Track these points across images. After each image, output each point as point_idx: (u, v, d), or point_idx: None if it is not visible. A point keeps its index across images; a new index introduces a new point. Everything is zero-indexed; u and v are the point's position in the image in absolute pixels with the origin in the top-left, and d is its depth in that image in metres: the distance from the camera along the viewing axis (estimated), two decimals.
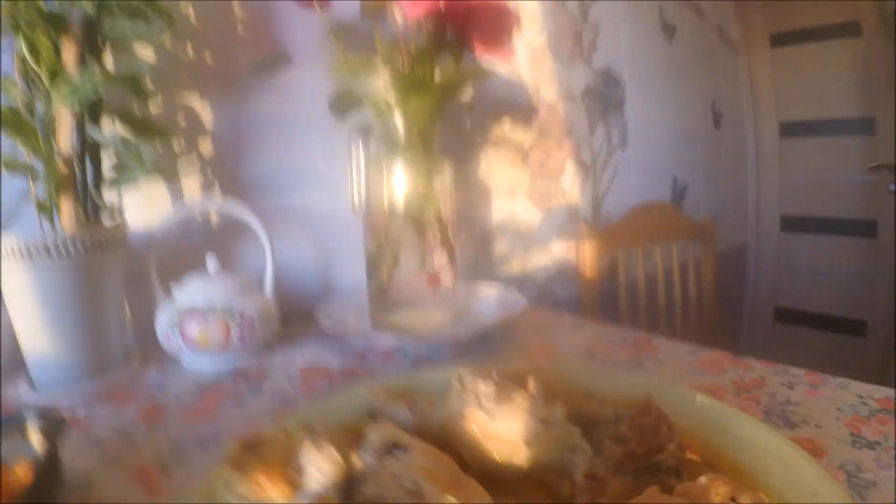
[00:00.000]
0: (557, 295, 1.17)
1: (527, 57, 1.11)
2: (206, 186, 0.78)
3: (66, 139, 0.58)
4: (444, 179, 0.72)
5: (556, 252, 1.16)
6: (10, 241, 0.53)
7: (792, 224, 1.86)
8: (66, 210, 0.58)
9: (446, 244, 0.72)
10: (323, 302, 0.76)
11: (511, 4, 0.69)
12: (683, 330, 1.25)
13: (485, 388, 0.34)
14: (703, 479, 0.27)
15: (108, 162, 0.63)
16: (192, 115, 0.77)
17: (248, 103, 0.80)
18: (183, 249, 0.74)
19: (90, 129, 0.61)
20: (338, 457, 0.31)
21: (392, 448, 0.30)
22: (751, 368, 0.55)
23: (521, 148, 1.08)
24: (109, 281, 0.61)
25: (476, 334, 0.68)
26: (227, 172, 0.79)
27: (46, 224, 0.58)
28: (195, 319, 0.62)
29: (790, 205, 1.86)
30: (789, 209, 1.86)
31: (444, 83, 0.70)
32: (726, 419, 0.37)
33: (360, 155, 0.68)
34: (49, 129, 0.57)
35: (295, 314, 0.78)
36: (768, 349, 1.84)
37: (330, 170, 0.85)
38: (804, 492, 0.29)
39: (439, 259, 0.72)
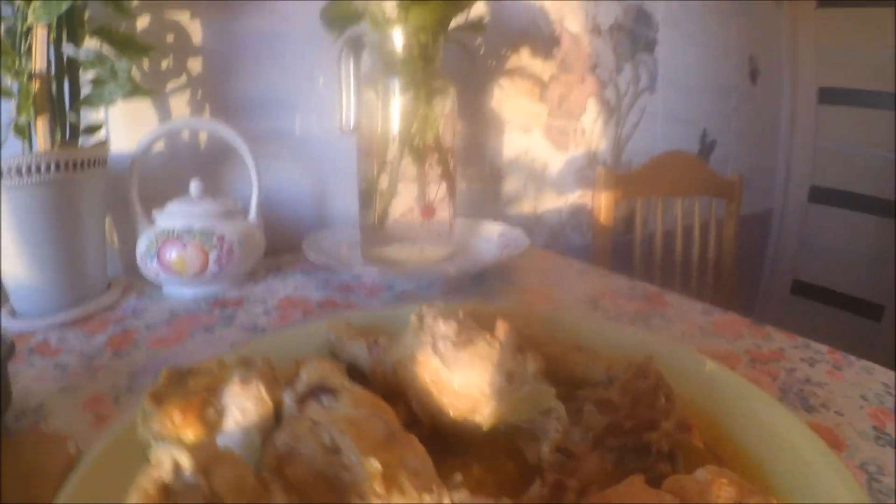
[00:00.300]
0: (569, 241, 1.11)
1: None
2: (195, 107, 0.72)
3: (41, 57, 0.53)
4: (447, 103, 0.66)
5: (571, 196, 1.09)
6: None
7: (821, 195, 1.74)
8: (42, 129, 0.54)
9: (445, 174, 0.66)
10: (312, 232, 0.71)
11: None
12: (698, 291, 1.17)
13: (444, 329, 0.28)
14: (702, 474, 0.22)
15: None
16: (181, 33, 0.70)
17: (239, 21, 0.73)
18: (169, 174, 0.70)
19: (65, 45, 0.56)
20: (264, 396, 0.26)
21: (319, 392, 0.25)
22: (769, 338, 0.49)
23: (539, 80, 1.00)
24: (88, 203, 0.57)
25: (470, 273, 0.62)
26: (217, 93, 0.73)
27: (26, 147, 0.54)
28: (173, 244, 0.57)
29: (821, 175, 1.73)
30: (820, 179, 1.74)
31: None
32: (738, 394, 0.31)
33: (350, 71, 0.61)
34: (25, 48, 0.53)
35: (285, 245, 0.74)
36: (782, 321, 1.76)
37: (325, 92, 0.78)
38: (820, 495, 0.23)
39: (437, 190, 0.66)
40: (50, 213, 0.53)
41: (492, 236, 0.75)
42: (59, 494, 0.24)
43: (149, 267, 0.59)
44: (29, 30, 0.52)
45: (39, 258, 0.53)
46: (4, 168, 0.49)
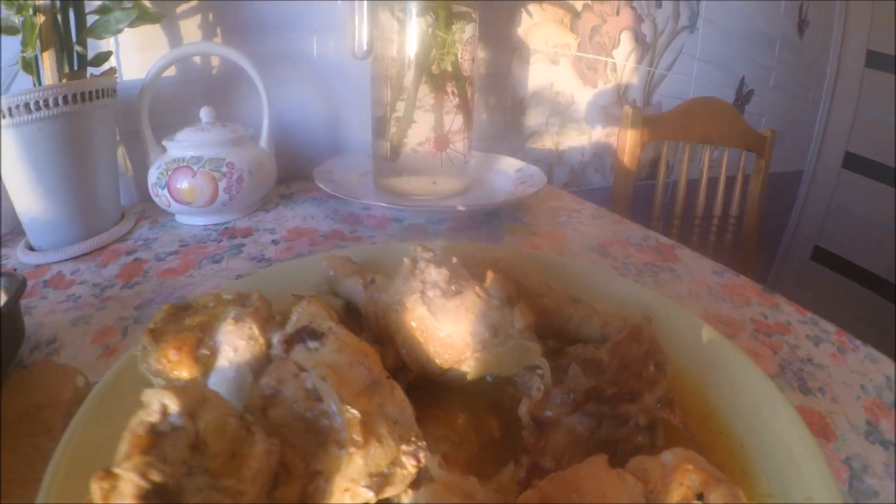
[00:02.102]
0: (590, 182, 1.06)
1: None
2: (206, 31, 0.68)
3: None
4: (468, 28, 0.61)
5: (596, 134, 1.03)
6: None
7: (855, 163, 1.63)
8: (48, 63, 0.51)
9: (462, 104, 0.62)
10: (325, 160, 0.68)
11: None
12: (716, 246, 1.13)
13: (435, 277, 0.26)
14: (668, 457, 0.20)
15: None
16: None
17: None
18: (181, 101, 0.66)
19: None
20: (256, 334, 0.25)
21: (305, 335, 0.23)
22: (777, 308, 0.46)
23: (571, 8, 0.92)
24: (98, 134, 0.54)
25: (479, 210, 0.59)
26: (228, 15, 0.68)
27: (35, 82, 0.52)
28: (183, 173, 0.55)
29: (858, 142, 1.62)
30: (856, 147, 1.63)
31: None
32: (732, 368, 0.29)
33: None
34: None
35: (298, 172, 0.71)
36: (798, 286, 1.70)
37: (340, 13, 0.72)
38: (797, 489, 0.22)
39: (454, 121, 0.62)
40: (61, 147, 0.51)
41: (509, 172, 0.71)
42: (67, 428, 0.24)
43: (159, 196, 0.57)
44: None
45: (53, 192, 0.52)
46: (12, 104, 0.47)
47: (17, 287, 0.36)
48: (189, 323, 0.27)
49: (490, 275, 0.26)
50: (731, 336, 0.41)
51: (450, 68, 0.60)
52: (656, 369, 0.26)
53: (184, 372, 0.25)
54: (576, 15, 0.93)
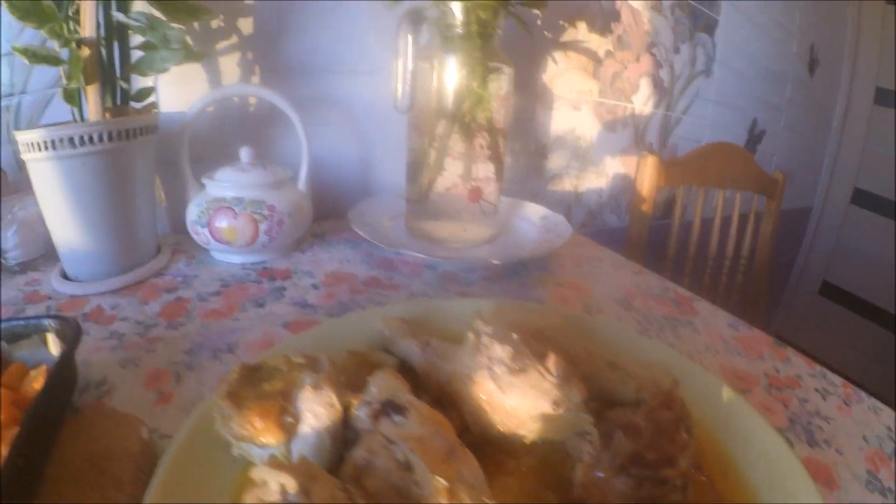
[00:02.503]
0: (606, 222, 1.10)
1: None
2: (245, 68, 0.72)
3: (89, 22, 0.52)
4: (503, 82, 0.64)
5: (613, 176, 1.07)
6: (35, 133, 0.49)
7: (863, 199, 1.68)
8: (92, 97, 0.54)
9: (495, 156, 0.66)
10: (358, 201, 0.71)
11: None
12: (728, 284, 1.16)
13: (500, 353, 0.30)
14: None
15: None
16: None
17: None
18: (219, 138, 0.70)
19: (115, 10, 0.55)
20: (335, 402, 0.28)
21: (389, 409, 0.26)
22: (788, 361, 0.50)
23: (594, 56, 0.97)
24: (139, 169, 0.57)
25: (512, 263, 0.63)
26: (268, 55, 0.73)
27: (76, 113, 0.55)
28: (224, 213, 0.59)
29: (867, 178, 1.67)
30: (864, 183, 1.68)
31: None
32: (747, 425, 0.33)
33: (408, 44, 0.59)
34: (72, 13, 0.52)
35: (329, 211, 0.74)
36: (806, 320, 1.74)
37: (377, 57, 0.77)
38: None
39: (485, 170, 0.66)
40: (103, 181, 0.53)
41: (534, 219, 0.75)
42: (149, 489, 0.26)
43: (199, 233, 0.60)
44: None
45: (93, 225, 0.54)
46: (56, 138, 0.49)
47: (73, 335, 0.36)
48: (268, 389, 0.30)
49: (552, 357, 0.30)
50: (746, 391, 0.44)
51: (484, 122, 0.64)
52: (686, 434, 0.29)
53: (270, 439, 0.28)
54: (598, 62, 0.97)
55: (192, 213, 0.61)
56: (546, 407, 0.29)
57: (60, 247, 0.56)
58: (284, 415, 0.28)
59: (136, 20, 0.56)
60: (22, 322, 0.39)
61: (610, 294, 0.61)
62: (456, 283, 0.60)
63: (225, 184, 0.60)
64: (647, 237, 1.03)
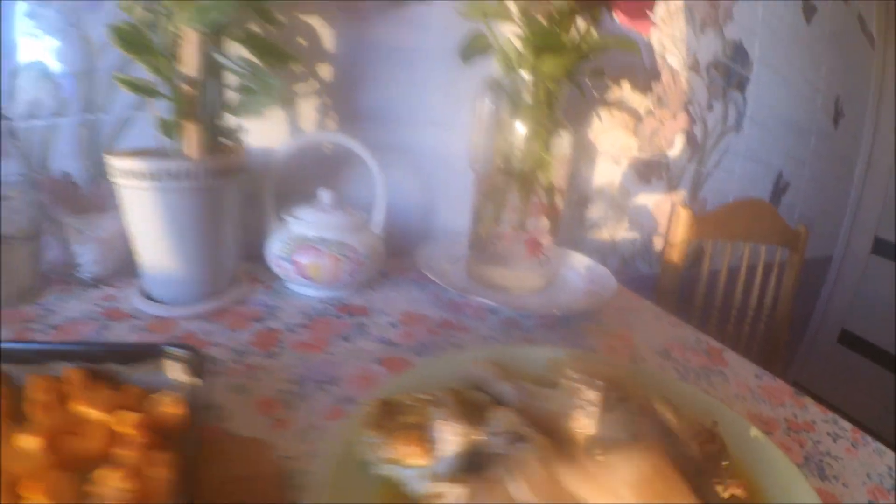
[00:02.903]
0: (638, 270, 1.18)
1: (659, 16, 1.05)
2: (322, 112, 0.80)
3: (191, 61, 0.58)
4: (563, 146, 0.72)
5: (646, 227, 1.15)
6: (136, 162, 0.56)
7: (884, 249, 1.76)
8: (190, 133, 0.61)
9: (553, 212, 0.73)
10: (422, 244, 0.79)
11: None
12: (751, 331, 1.24)
13: (590, 396, 0.39)
14: None
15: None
16: (313, 39, 0.78)
17: (370, 31, 0.80)
18: (294, 175, 0.77)
19: (216, 52, 0.61)
20: (462, 432, 0.35)
21: (517, 438, 0.35)
22: (806, 409, 0.58)
23: (636, 114, 1.05)
24: (228, 204, 0.64)
25: (569, 312, 0.70)
26: (343, 100, 0.81)
27: (165, 142, 0.61)
28: (309, 250, 0.66)
29: (887, 228, 1.75)
30: (885, 232, 1.76)
31: (582, 47, 0.69)
32: (771, 458, 0.42)
33: (484, 109, 0.67)
34: (171, 49, 0.58)
35: (393, 251, 0.82)
36: (824, 368, 1.81)
37: (448, 109, 0.85)
38: None
39: (542, 224, 0.73)
40: (196, 212, 0.60)
41: (580, 270, 0.82)
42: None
43: (282, 267, 0.67)
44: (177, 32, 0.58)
45: (182, 251, 0.61)
46: (158, 170, 0.56)
47: (200, 363, 0.41)
48: (407, 420, 0.38)
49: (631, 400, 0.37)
50: (769, 433, 0.52)
51: (544, 182, 0.71)
52: (728, 463, 0.38)
53: (418, 461, 0.35)
54: (639, 120, 1.06)
55: (276, 247, 0.68)
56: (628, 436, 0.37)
57: (147, 268, 0.63)
58: (425, 442, 0.36)
59: (237, 65, 0.63)
60: (139, 347, 0.45)
61: (650, 345, 0.68)
62: (517, 328, 0.67)
63: (308, 223, 0.68)
64: (678, 289, 1.10)
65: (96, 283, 0.70)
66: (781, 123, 1.39)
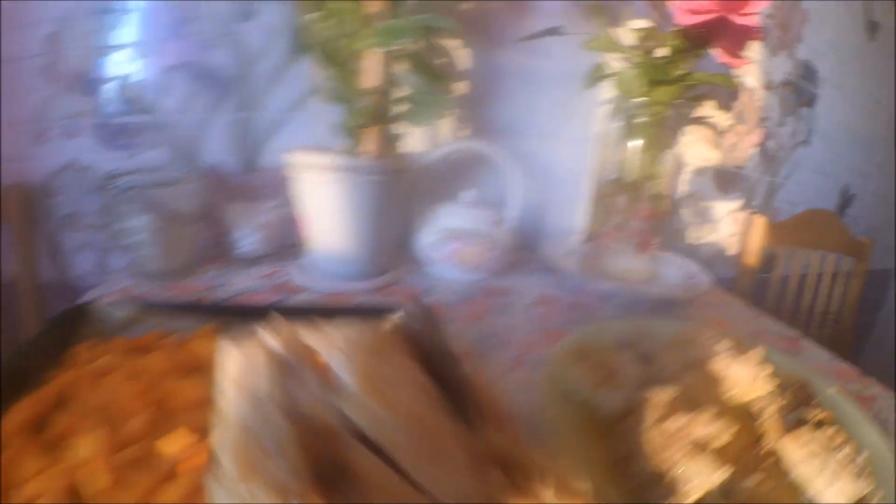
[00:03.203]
0: (716, 273, 1.32)
1: None
2: (459, 122, 0.97)
3: (376, 76, 0.76)
4: (669, 161, 0.88)
5: (723, 233, 1.30)
6: (326, 158, 0.74)
7: None
8: (370, 136, 0.78)
9: (659, 217, 0.89)
10: (539, 240, 0.96)
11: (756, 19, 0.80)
12: (817, 336, 1.36)
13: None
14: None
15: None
16: (453, 61, 0.95)
17: (500, 56, 0.97)
18: (435, 177, 0.95)
19: (396, 70, 0.78)
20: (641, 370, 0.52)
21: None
22: (870, 387, 0.71)
23: (717, 129, 1.20)
24: (394, 197, 0.80)
25: (674, 299, 0.86)
26: (476, 115, 0.98)
27: (344, 142, 0.79)
28: (459, 239, 0.83)
29: None
30: None
31: (689, 81, 0.84)
32: (849, 410, 0.54)
33: (610, 129, 0.84)
34: (354, 64, 0.75)
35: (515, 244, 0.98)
36: (883, 374, 1.91)
37: (561, 125, 1.01)
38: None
39: (650, 226, 0.89)
40: (372, 203, 0.77)
41: (674, 267, 0.97)
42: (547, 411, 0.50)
43: (435, 253, 0.84)
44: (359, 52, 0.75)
45: (357, 235, 0.78)
46: (347, 166, 0.74)
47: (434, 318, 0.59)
48: (596, 359, 0.54)
49: (755, 350, 0.53)
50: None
51: (654, 192, 0.87)
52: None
53: (613, 387, 0.51)
54: (720, 135, 1.21)
55: (429, 236, 0.85)
56: (755, 372, 0.52)
57: (319, 248, 0.80)
58: (614, 374, 0.52)
59: (415, 84, 0.80)
60: (378, 305, 0.63)
61: (740, 331, 0.82)
62: (631, 313, 0.83)
63: (458, 217, 0.85)
64: (752, 292, 1.25)
65: (253, 262, 0.88)
66: (847, 138, 1.52)
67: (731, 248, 1.33)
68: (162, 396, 0.45)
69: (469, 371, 0.23)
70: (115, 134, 0.98)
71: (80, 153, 1.01)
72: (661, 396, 0.48)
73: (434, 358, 0.23)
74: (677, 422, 0.47)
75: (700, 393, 0.50)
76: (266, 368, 0.19)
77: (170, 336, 0.56)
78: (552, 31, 0.87)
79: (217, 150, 0.95)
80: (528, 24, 0.95)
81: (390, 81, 0.78)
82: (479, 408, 0.24)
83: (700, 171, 1.21)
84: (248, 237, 0.87)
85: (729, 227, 1.30)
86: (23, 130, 1.01)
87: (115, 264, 1.07)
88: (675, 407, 0.48)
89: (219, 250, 0.93)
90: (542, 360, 0.60)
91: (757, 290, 1.28)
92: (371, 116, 0.77)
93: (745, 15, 0.79)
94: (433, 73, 0.84)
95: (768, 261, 1.38)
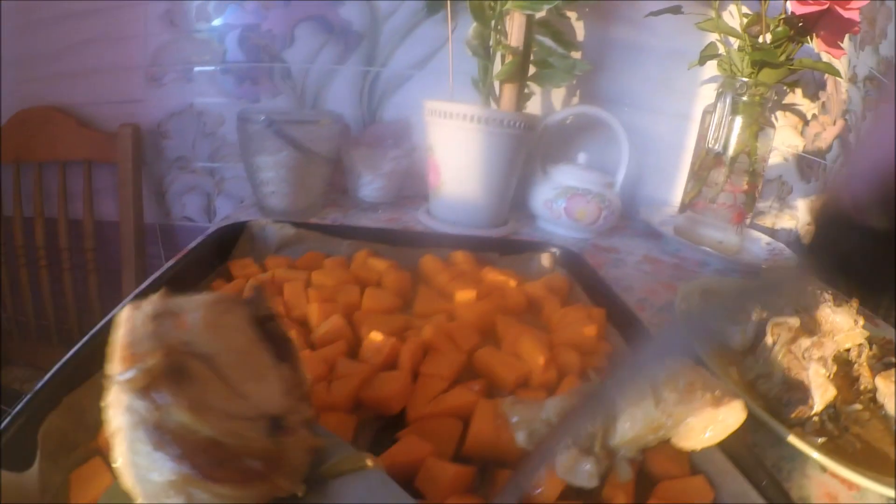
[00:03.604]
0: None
1: None
2: (569, 90, 1.13)
3: (518, 36, 0.92)
4: (768, 138, 1.04)
5: (801, 220, 1.46)
6: (471, 108, 0.89)
7: None
8: (510, 93, 0.95)
9: (752, 191, 1.05)
10: (639, 207, 1.12)
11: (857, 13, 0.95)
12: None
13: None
14: None
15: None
16: (570, 32, 1.11)
17: (611, 30, 1.13)
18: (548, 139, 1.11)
19: (535, 33, 0.95)
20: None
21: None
22: None
23: (803, 116, 1.36)
24: (520, 151, 0.97)
25: (759, 270, 1.02)
26: (586, 85, 1.14)
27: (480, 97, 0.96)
28: (577, 197, 0.99)
29: None
30: None
31: (794, 65, 1.00)
32: None
33: (723, 107, 1.00)
34: (497, 24, 0.92)
35: None
36: None
37: (665, 99, 1.17)
38: None
39: (744, 201, 1.05)
40: (505, 154, 0.93)
41: (761, 243, 1.14)
42: None
43: (552, 209, 1.00)
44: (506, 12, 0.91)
45: (483, 182, 0.94)
46: (490, 118, 0.89)
47: (580, 259, 0.77)
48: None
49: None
50: None
51: (751, 167, 1.03)
52: None
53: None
54: (806, 123, 1.36)
55: (546, 193, 1.01)
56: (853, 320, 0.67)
57: (447, 195, 0.95)
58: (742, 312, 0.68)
59: (551, 46, 0.97)
60: (524, 242, 0.80)
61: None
62: (721, 273, 0.99)
63: (574, 176, 1.00)
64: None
65: (373, 208, 1.04)
66: None
67: (807, 237, 1.48)
68: (343, 306, 0.59)
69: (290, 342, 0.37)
70: (240, 80, 1.14)
71: (197, 97, 1.17)
72: (789, 323, 0.64)
73: (266, 324, 0.36)
74: (804, 344, 0.63)
75: (814, 328, 0.66)
76: (149, 314, 0.31)
77: (330, 257, 0.71)
78: (673, 10, 1.03)
79: (341, 100, 1.11)
80: (639, 4, 1.11)
81: (529, 43, 0.94)
82: (294, 362, 0.36)
83: (785, 157, 1.36)
84: (371, 184, 1.02)
85: (806, 215, 1.46)
86: (140, 74, 1.16)
87: (222, 209, 1.23)
88: (799, 333, 0.64)
89: (340, 194, 1.09)
90: (664, 305, 0.77)
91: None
92: (511, 73, 0.93)
93: (850, 8, 0.95)
94: (565, 40, 1.00)
95: None
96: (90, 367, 0.40)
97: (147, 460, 0.27)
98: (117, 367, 0.28)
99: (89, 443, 0.38)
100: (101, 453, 0.36)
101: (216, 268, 0.67)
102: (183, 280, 0.59)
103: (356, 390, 0.47)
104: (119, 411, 0.28)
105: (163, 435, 0.26)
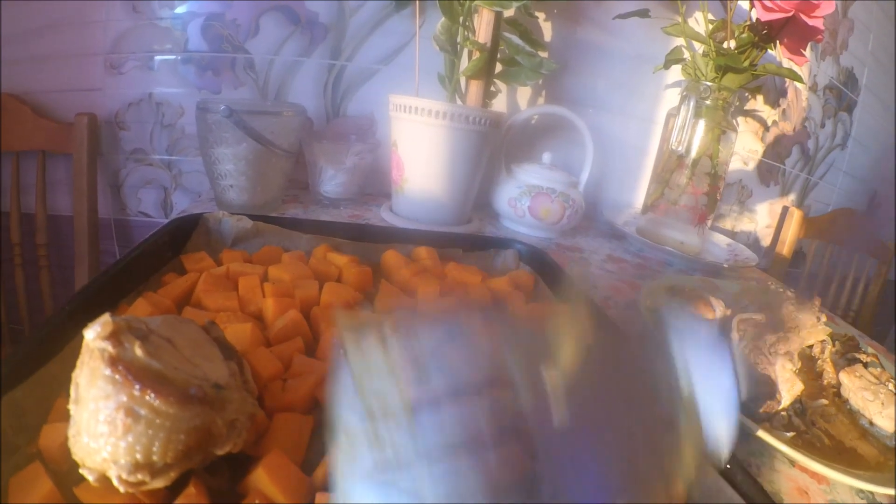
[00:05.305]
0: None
1: None
2: (535, 90, 1.15)
3: (486, 33, 0.94)
4: (729, 142, 1.07)
5: (760, 223, 1.50)
6: (432, 103, 0.89)
7: None
8: (476, 90, 0.96)
9: (712, 193, 1.08)
10: (601, 208, 1.14)
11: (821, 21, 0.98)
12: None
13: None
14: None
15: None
16: (536, 29, 1.12)
17: (578, 32, 1.15)
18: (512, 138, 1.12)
19: (503, 31, 0.96)
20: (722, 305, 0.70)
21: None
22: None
23: (764, 123, 1.40)
24: (484, 149, 0.97)
25: (720, 270, 1.05)
26: (552, 85, 1.15)
27: (446, 93, 0.97)
28: (541, 196, 1.00)
29: None
30: None
31: (757, 71, 1.03)
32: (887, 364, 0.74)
33: (683, 111, 1.02)
34: (470, 22, 0.93)
35: None
36: None
37: (628, 102, 1.20)
38: None
39: (704, 203, 1.08)
40: (467, 151, 0.93)
41: (722, 245, 1.17)
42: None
43: (515, 208, 1.01)
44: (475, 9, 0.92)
45: (447, 179, 0.94)
46: (453, 112, 0.89)
47: (545, 257, 0.79)
48: (685, 293, 0.72)
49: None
50: None
51: (712, 170, 1.06)
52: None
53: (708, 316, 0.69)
54: (766, 129, 1.41)
55: (510, 191, 1.02)
56: (816, 317, 0.70)
57: (409, 191, 0.95)
58: (707, 305, 0.70)
59: (519, 44, 0.98)
60: (490, 238, 0.81)
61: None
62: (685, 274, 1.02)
63: (536, 175, 1.01)
64: (782, 278, 1.45)
65: (334, 203, 1.03)
66: (881, 146, 1.74)
67: (765, 239, 1.53)
68: (301, 301, 0.58)
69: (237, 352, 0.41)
70: (202, 70, 1.13)
71: (156, 87, 1.15)
72: (755, 319, 0.66)
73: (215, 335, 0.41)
74: (769, 340, 0.65)
75: (779, 326, 0.68)
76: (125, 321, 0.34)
77: (288, 252, 0.70)
78: (641, 14, 1.05)
79: (304, 93, 1.11)
80: (607, 6, 1.13)
81: (497, 41, 0.95)
82: (240, 362, 0.40)
83: (745, 162, 1.40)
84: (333, 179, 1.02)
85: (765, 218, 1.50)
86: (99, 61, 1.14)
87: (179, 204, 1.21)
88: (764, 329, 0.66)
89: (301, 190, 1.08)
90: (628, 303, 0.79)
91: (785, 283, 1.48)
92: (478, 70, 0.94)
93: (814, 17, 0.98)
94: (533, 38, 1.02)
95: (797, 256, 1.59)
96: (31, 365, 0.39)
97: (102, 392, 0.30)
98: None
99: (29, 447, 0.36)
100: (41, 458, 0.35)
101: (169, 261, 0.65)
102: (135, 273, 0.58)
103: (313, 389, 0.45)
104: (83, 371, 0.31)
105: (118, 365, 0.30)
